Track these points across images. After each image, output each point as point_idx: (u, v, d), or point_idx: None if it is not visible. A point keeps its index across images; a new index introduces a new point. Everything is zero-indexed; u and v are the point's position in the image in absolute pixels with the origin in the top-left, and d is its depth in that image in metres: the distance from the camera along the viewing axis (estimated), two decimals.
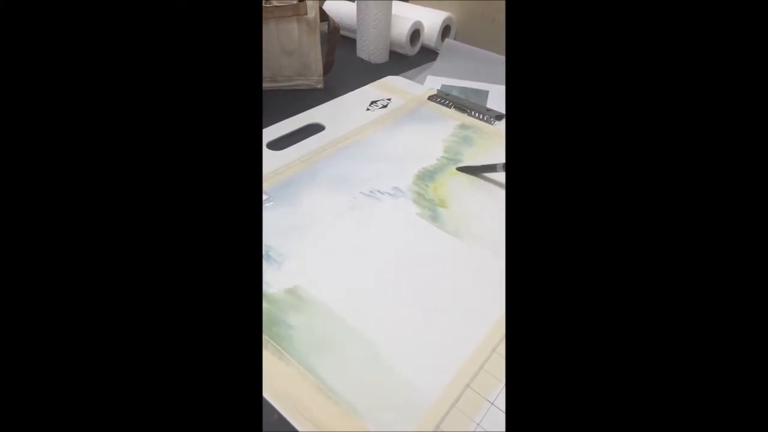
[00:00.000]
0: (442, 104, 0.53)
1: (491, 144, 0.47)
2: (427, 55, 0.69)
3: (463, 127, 0.50)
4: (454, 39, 0.70)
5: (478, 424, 0.24)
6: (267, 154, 0.44)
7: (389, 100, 0.54)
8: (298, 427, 0.24)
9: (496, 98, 0.56)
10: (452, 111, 0.52)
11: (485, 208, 0.39)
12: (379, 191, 0.40)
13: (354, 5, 0.67)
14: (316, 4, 0.54)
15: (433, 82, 0.59)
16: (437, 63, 0.64)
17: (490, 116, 0.51)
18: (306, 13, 0.53)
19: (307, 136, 0.47)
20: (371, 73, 0.62)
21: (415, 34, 0.68)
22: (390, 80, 0.58)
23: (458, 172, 0.43)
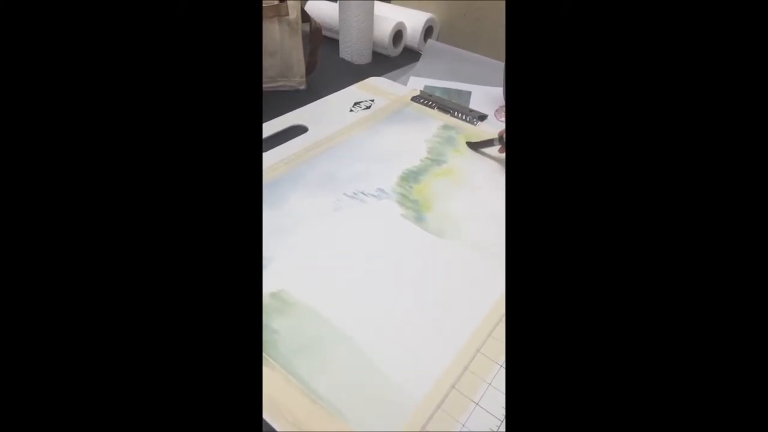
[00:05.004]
0: (426, 105, 0.53)
1: None
2: (410, 55, 0.69)
3: (446, 127, 0.50)
4: (437, 40, 0.70)
5: (464, 425, 0.24)
6: None
7: (372, 101, 0.54)
8: (280, 430, 0.24)
9: (479, 99, 0.56)
10: (435, 112, 0.52)
11: (469, 209, 0.39)
12: (363, 193, 0.40)
13: (336, 6, 0.67)
14: (298, 5, 0.53)
15: (416, 82, 0.60)
16: (420, 64, 0.64)
17: (473, 117, 0.51)
18: (287, 14, 0.53)
19: (291, 138, 0.47)
20: (354, 73, 0.62)
21: (398, 34, 0.68)
22: (373, 81, 0.58)
23: (439, 176, 0.43)
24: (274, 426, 0.24)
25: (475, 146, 0.46)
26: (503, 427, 0.24)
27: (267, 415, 0.24)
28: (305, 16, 0.56)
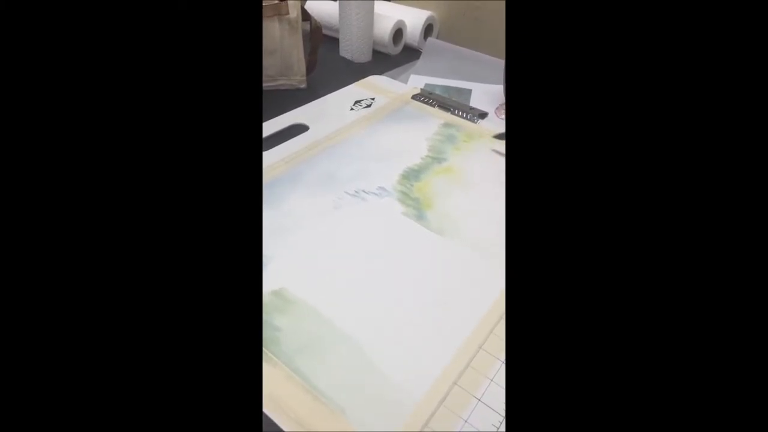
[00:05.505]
0: (426, 103, 0.53)
1: (475, 142, 0.47)
2: (410, 54, 0.69)
3: (446, 125, 0.50)
4: (437, 38, 0.70)
5: (466, 421, 0.25)
6: None
7: (373, 99, 0.54)
8: (284, 428, 0.24)
9: (479, 97, 0.56)
10: (436, 110, 0.52)
11: (470, 206, 0.39)
12: (364, 191, 0.40)
13: (336, 4, 0.67)
14: (298, 4, 0.53)
15: (416, 81, 0.60)
16: (420, 62, 0.64)
17: (474, 114, 0.51)
18: (288, 13, 0.53)
19: (291, 137, 0.47)
20: (354, 72, 0.62)
21: (398, 33, 0.68)
22: (373, 79, 0.58)
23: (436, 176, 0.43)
24: (276, 422, 0.24)
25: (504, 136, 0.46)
26: (505, 423, 0.25)
27: (269, 412, 0.24)
28: (305, 15, 0.56)
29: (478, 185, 0.41)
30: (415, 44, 0.69)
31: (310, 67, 0.59)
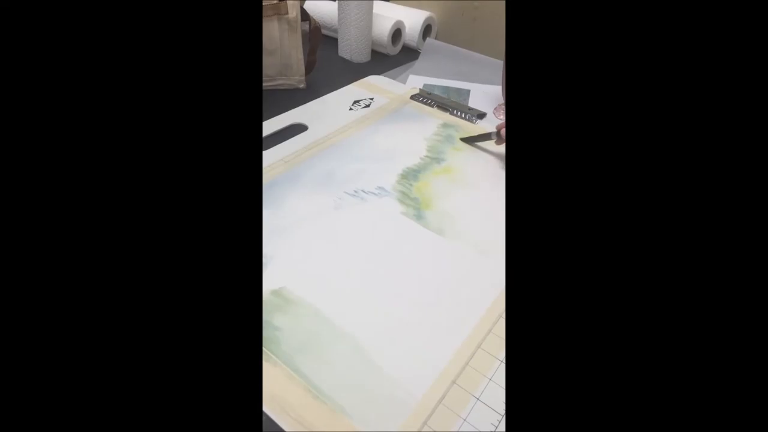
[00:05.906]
0: (425, 103, 0.53)
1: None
2: (409, 54, 0.69)
3: (445, 125, 0.50)
4: (436, 38, 0.71)
5: (465, 420, 0.25)
6: None
7: (372, 99, 0.54)
8: (285, 428, 0.24)
9: (478, 97, 0.56)
10: (434, 110, 0.52)
11: (468, 206, 0.39)
12: (363, 191, 0.40)
13: (335, 5, 0.67)
14: (297, 4, 0.53)
15: (415, 81, 0.60)
16: (419, 62, 0.64)
17: (472, 115, 0.51)
18: (287, 13, 0.53)
19: (290, 137, 0.47)
20: (353, 72, 0.62)
21: (397, 33, 0.68)
22: (372, 79, 0.58)
23: (435, 176, 0.43)
24: (276, 421, 0.24)
25: (471, 140, 0.46)
26: (504, 422, 0.25)
27: (269, 411, 0.25)
28: (304, 15, 0.56)
29: (477, 185, 0.41)
30: (414, 44, 0.70)
31: (309, 67, 0.59)
